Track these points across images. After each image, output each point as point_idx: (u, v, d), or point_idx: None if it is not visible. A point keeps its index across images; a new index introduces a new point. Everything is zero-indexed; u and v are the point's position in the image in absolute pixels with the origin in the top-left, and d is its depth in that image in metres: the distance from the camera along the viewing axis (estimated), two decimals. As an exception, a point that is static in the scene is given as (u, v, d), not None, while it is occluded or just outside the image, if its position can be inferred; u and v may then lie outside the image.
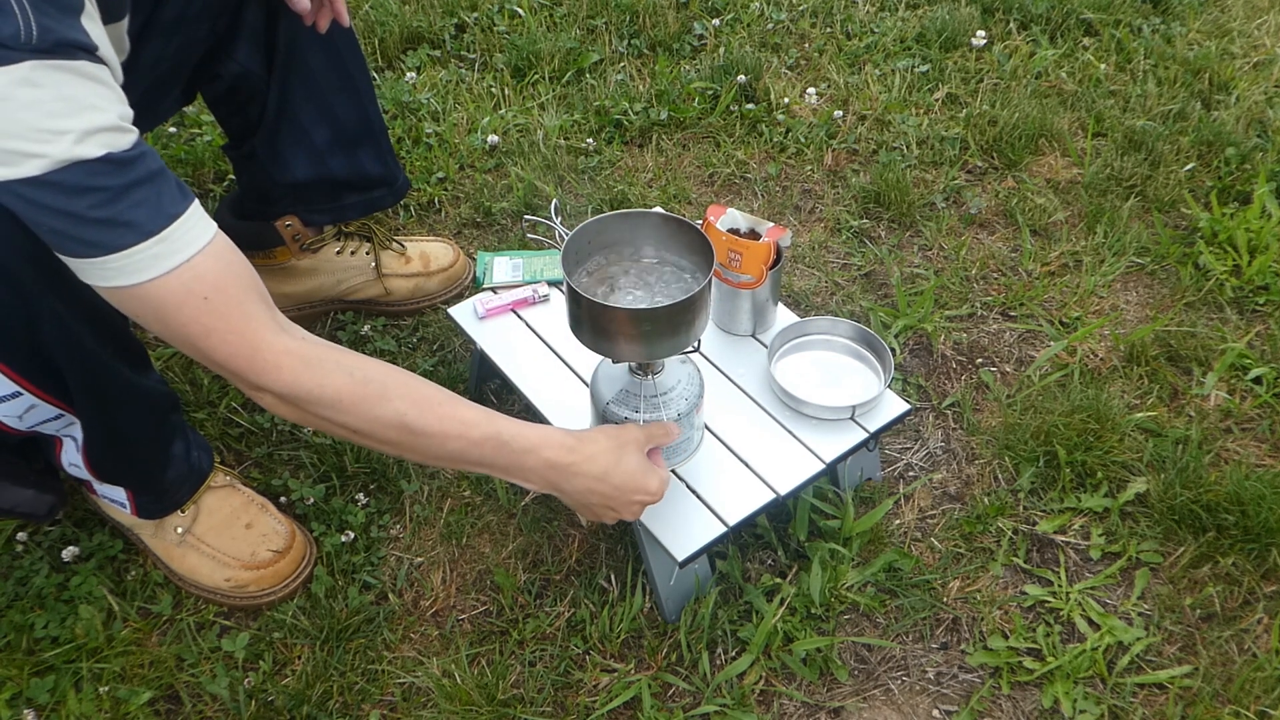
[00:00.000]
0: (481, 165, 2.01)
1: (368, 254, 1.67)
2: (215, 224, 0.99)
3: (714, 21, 2.37)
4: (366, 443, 1.06)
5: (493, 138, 2.04)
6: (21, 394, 1.11)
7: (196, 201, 0.98)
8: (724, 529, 1.23)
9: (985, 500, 1.46)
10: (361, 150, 1.53)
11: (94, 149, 0.88)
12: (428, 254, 1.73)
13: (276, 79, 1.40)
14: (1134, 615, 1.33)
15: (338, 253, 1.66)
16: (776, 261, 1.39)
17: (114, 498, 1.33)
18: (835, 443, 1.32)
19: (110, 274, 0.93)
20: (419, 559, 1.41)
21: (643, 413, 1.22)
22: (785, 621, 1.30)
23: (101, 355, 1.12)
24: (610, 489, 1.13)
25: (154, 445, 1.29)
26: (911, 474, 1.50)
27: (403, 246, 1.71)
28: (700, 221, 1.37)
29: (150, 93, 1.36)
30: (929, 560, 1.40)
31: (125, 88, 1.32)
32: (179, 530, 1.35)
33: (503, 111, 2.12)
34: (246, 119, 1.45)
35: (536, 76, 2.21)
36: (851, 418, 1.34)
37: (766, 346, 1.41)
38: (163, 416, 1.29)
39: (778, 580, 1.35)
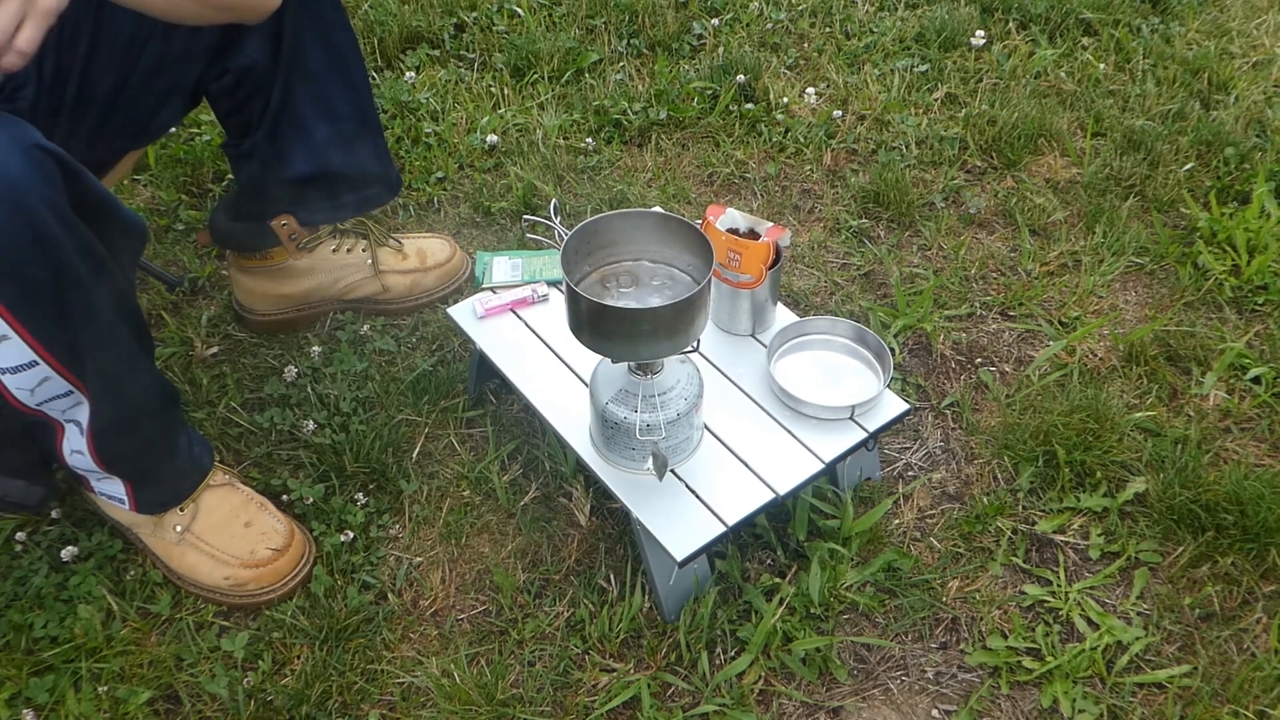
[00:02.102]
0: (481, 165, 2.01)
1: (364, 251, 1.67)
2: None
3: (713, 21, 2.37)
4: None
5: (492, 137, 2.04)
6: (38, 363, 1.11)
7: None
8: (723, 529, 1.23)
9: (984, 500, 1.46)
10: (360, 145, 1.53)
11: None
12: (424, 250, 1.73)
13: (280, 74, 1.41)
14: (1133, 615, 1.33)
15: (334, 251, 1.66)
16: (776, 261, 1.39)
17: (112, 494, 1.33)
18: (834, 442, 1.32)
19: None
20: (418, 559, 1.41)
21: (642, 413, 1.22)
22: (784, 621, 1.30)
23: (120, 331, 1.14)
24: None
25: (161, 430, 1.30)
26: (911, 474, 1.50)
27: (399, 243, 1.71)
28: (699, 221, 1.37)
29: (156, 98, 1.36)
30: (928, 560, 1.40)
31: (131, 96, 1.33)
32: (178, 529, 1.35)
33: (502, 111, 2.12)
34: (248, 115, 1.45)
35: (536, 76, 2.21)
36: (851, 417, 1.34)
37: (766, 346, 1.41)
38: (167, 405, 1.31)
39: (777, 580, 1.35)
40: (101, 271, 1.09)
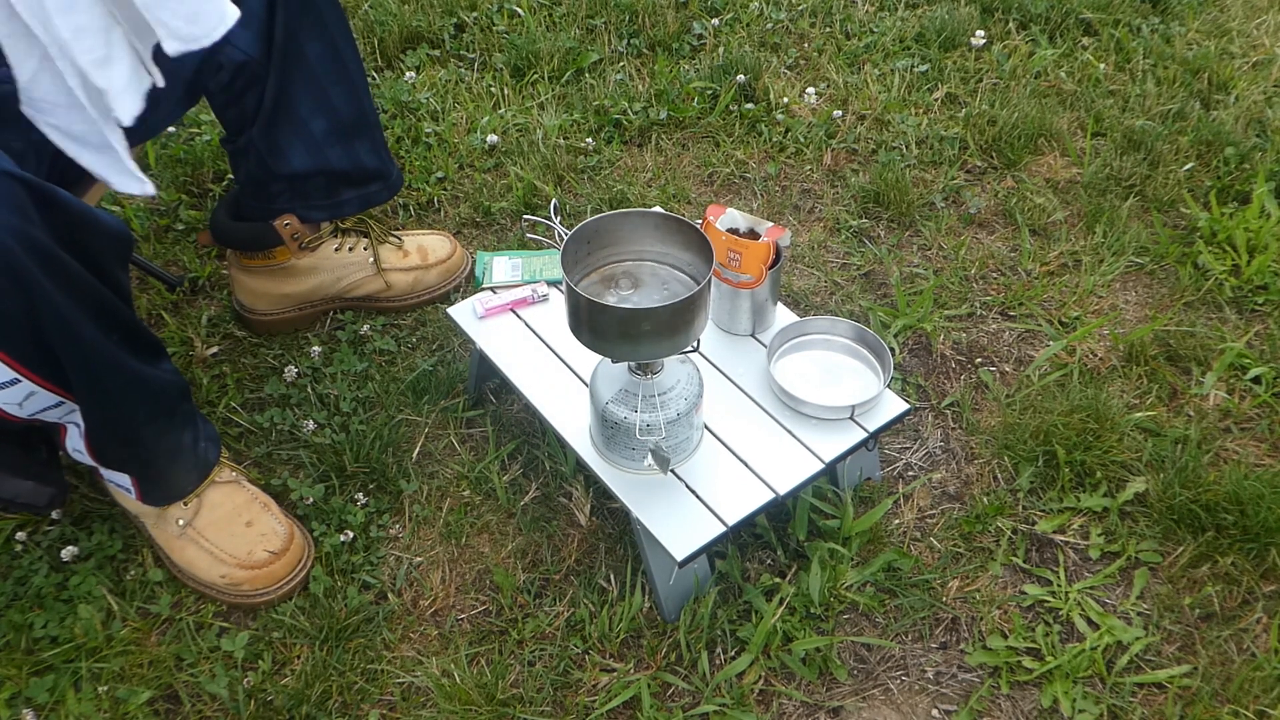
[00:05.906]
0: (481, 165, 2.01)
1: (366, 249, 1.68)
2: None
3: (713, 21, 2.37)
4: None
5: (492, 137, 2.04)
6: (20, 380, 1.11)
7: None
8: (723, 529, 1.23)
9: (984, 500, 1.46)
10: (358, 142, 1.53)
11: None
12: (425, 247, 1.73)
13: (275, 69, 1.41)
14: (1133, 615, 1.34)
15: (336, 250, 1.66)
16: (776, 261, 1.39)
17: (120, 482, 1.34)
18: (834, 442, 1.32)
19: None
20: (418, 559, 1.41)
21: (642, 413, 1.22)
22: (784, 621, 1.30)
23: (103, 344, 1.12)
24: None
25: (158, 435, 1.29)
26: (911, 474, 1.50)
27: (400, 240, 1.71)
28: (700, 221, 1.37)
29: (152, 93, 1.35)
30: (928, 560, 1.40)
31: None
32: (180, 522, 1.35)
33: (502, 111, 2.12)
34: (243, 110, 1.45)
35: (536, 76, 2.21)
36: (851, 417, 1.34)
37: (766, 346, 1.41)
38: (171, 406, 1.29)
39: (777, 580, 1.35)
40: (82, 294, 1.07)
